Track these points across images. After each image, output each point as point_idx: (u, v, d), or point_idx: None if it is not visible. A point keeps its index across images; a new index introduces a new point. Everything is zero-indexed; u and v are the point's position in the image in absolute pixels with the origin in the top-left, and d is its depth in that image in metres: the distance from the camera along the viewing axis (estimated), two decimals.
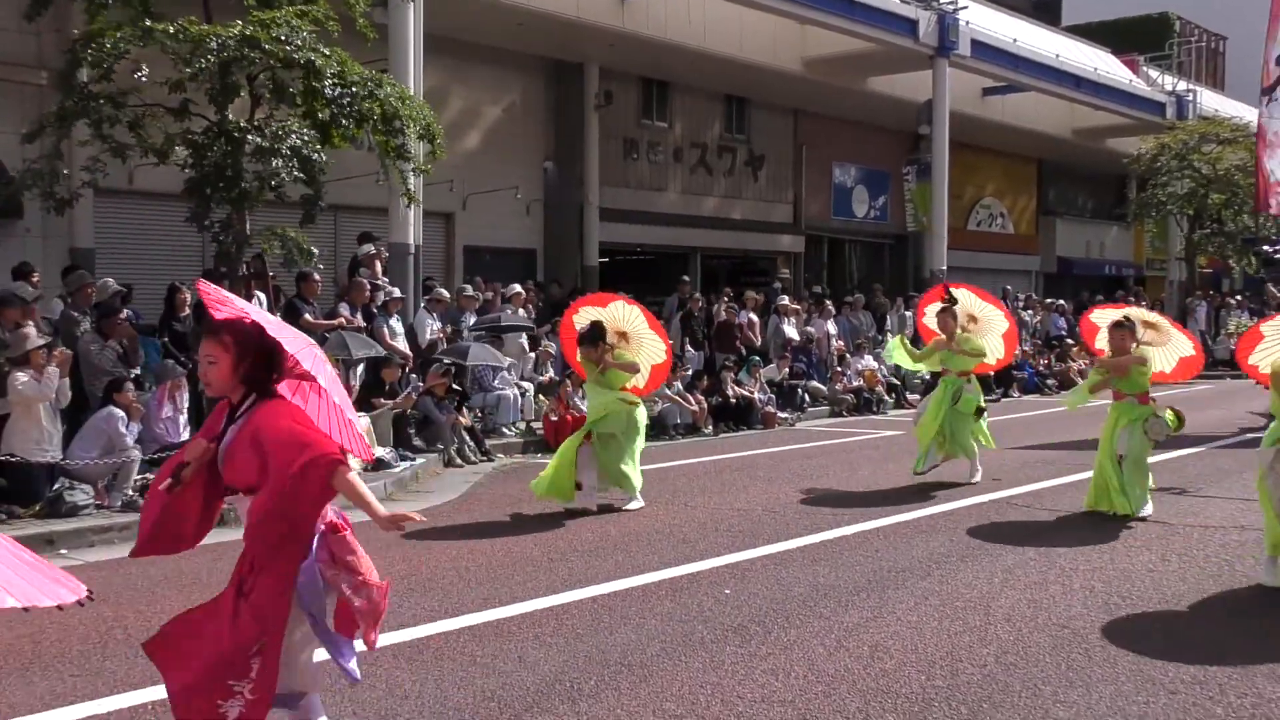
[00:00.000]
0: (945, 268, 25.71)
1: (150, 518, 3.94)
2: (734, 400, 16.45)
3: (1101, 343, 9.34)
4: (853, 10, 22.09)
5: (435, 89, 17.51)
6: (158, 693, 4.97)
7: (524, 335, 15.78)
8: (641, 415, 9.75)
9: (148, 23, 9.65)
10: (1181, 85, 34.65)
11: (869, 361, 19.67)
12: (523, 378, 15.23)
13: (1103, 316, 9.55)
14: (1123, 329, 8.93)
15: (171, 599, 6.70)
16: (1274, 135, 15.66)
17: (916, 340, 13.13)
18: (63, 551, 8.07)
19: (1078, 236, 36.92)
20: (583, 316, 9.90)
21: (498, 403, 14.14)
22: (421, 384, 13.01)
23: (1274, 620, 6.30)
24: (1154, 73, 34.94)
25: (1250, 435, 13.56)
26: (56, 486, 8.87)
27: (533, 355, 15.70)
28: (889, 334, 21.58)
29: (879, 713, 4.74)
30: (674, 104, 24.27)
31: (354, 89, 10.07)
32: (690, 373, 16.46)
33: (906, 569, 7.33)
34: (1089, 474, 9.33)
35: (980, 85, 28.25)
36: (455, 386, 13.12)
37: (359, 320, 13.24)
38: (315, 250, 10.66)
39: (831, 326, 20.44)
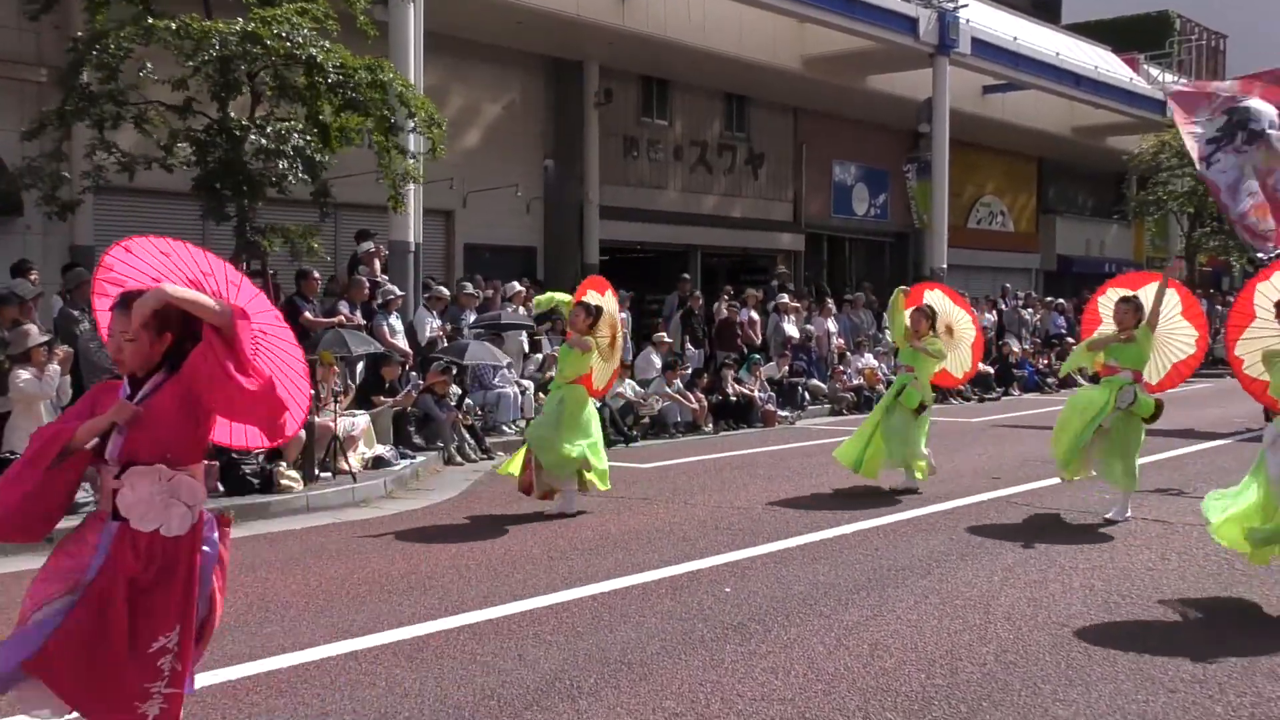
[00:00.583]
0: (945, 266, 25.71)
1: (18, 494, 3.71)
2: (734, 398, 16.45)
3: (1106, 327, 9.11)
4: (853, 8, 22.08)
5: (435, 87, 17.49)
6: None
7: (524, 333, 15.78)
8: (591, 407, 9.58)
9: (150, 20, 9.64)
10: (1181, 83, 34.60)
11: (869, 360, 19.68)
12: (523, 376, 15.23)
13: (1110, 298, 9.27)
14: (1129, 303, 8.80)
15: None
16: (1228, 187, 15.92)
17: None
18: None
19: (1078, 235, 36.92)
20: (591, 298, 9.72)
21: (498, 401, 14.14)
22: (421, 382, 13.01)
23: (1274, 619, 6.31)
24: (1154, 71, 34.92)
25: (1252, 433, 13.56)
26: None
27: (539, 356, 15.69)
28: (887, 331, 21.59)
29: (879, 711, 4.75)
30: (674, 102, 24.26)
31: (356, 76, 10.04)
32: (690, 371, 16.46)
33: (906, 567, 7.34)
34: (1089, 474, 9.25)
35: (980, 83, 28.25)
36: (456, 388, 13.13)
37: (358, 318, 13.24)
38: (319, 245, 10.66)
39: (832, 324, 20.44)
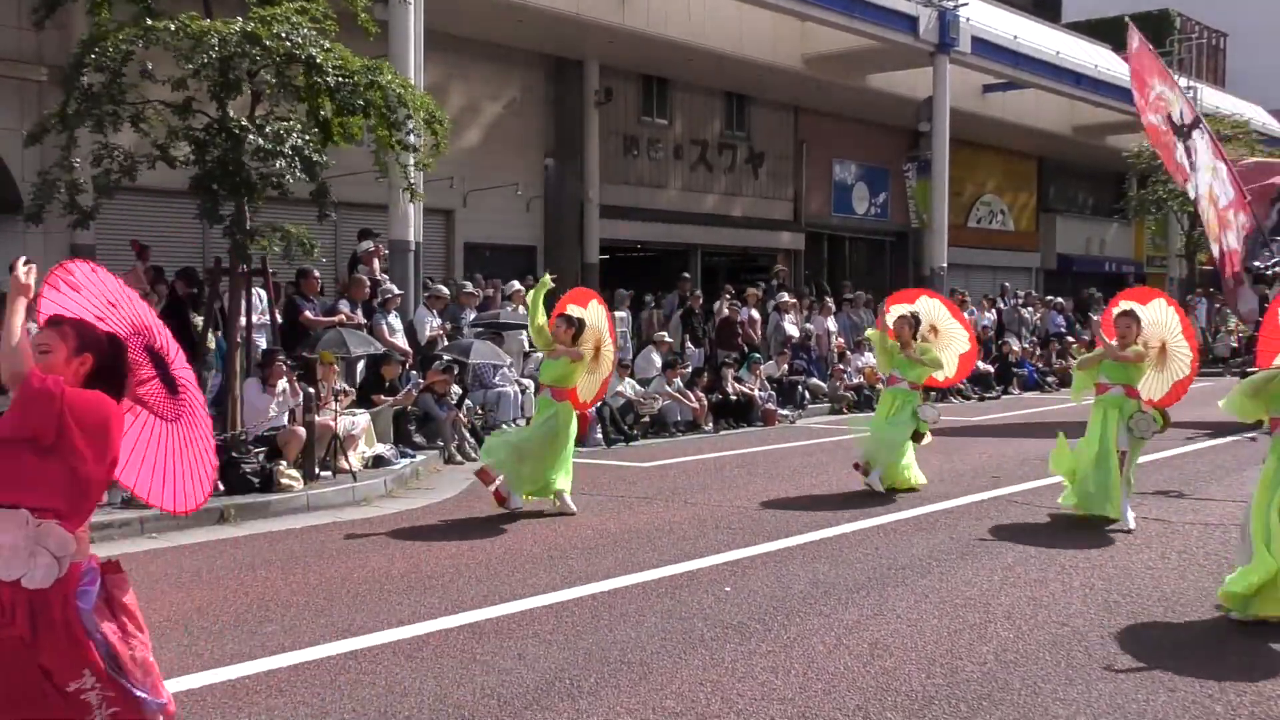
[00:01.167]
0: (945, 265, 25.72)
1: None
2: (734, 397, 16.44)
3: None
4: (853, 7, 22.08)
5: (435, 85, 17.48)
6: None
7: (524, 333, 15.77)
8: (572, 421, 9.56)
9: (149, 21, 9.64)
10: (1182, 82, 34.59)
11: (869, 359, 19.62)
12: (523, 375, 15.23)
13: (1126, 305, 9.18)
14: (1129, 317, 8.74)
15: (172, 595, 6.70)
16: (1224, 210, 16.09)
17: None
18: None
19: (1078, 233, 36.92)
20: (574, 311, 9.64)
21: (498, 400, 14.13)
22: (422, 381, 13.02)
23: (1274, 619, 6.29)
24: None
25: (1253, 433, 13.54)
26: None
27: (539, 355, 15.67)
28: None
29: (879, 710, 4.75)
30: (674, 101, 24.26)
31: (355, 79, 10.04)
32: (690, 370, 16.46)
33: (906, 566, 7.34)
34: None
35: (980, 82, 28.24)
36: (456, 387, 13.14)
37: (359, 316, 13.24)
38: (316, 243, 10.64)
39: (832, 323, 20.43)
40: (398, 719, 4.67)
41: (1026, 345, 23.77)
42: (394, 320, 13.68)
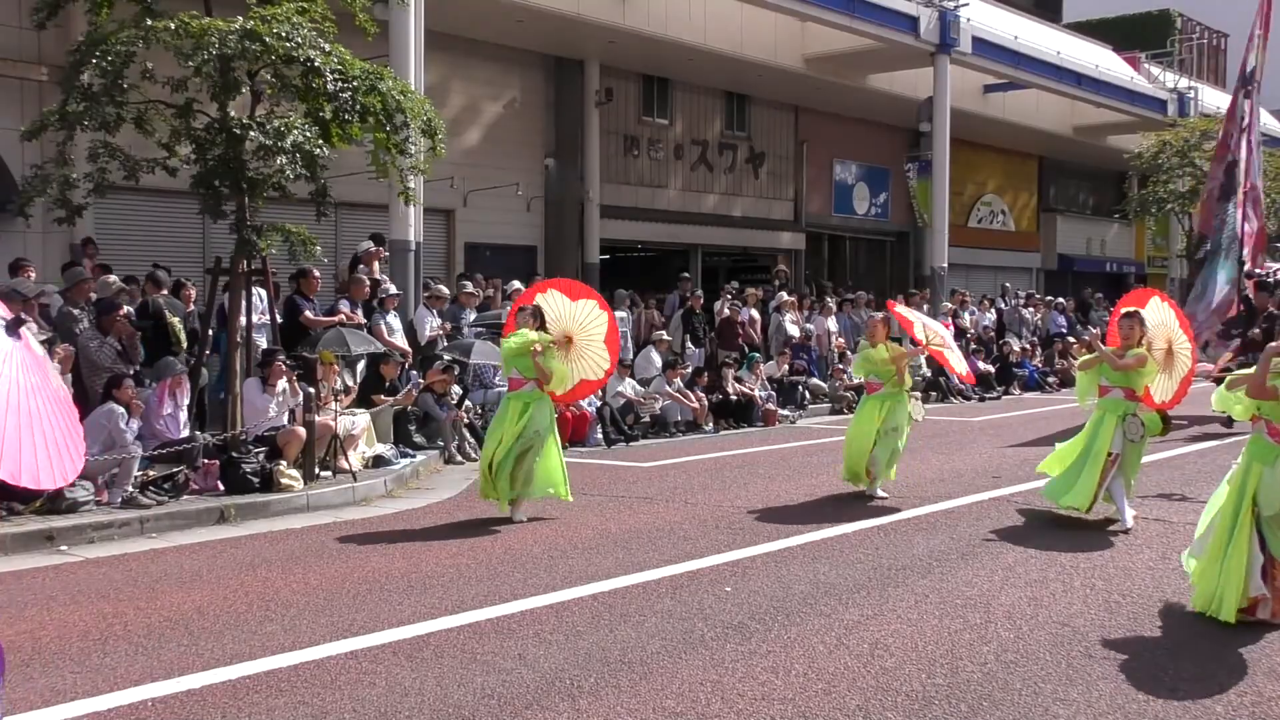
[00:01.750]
0: (946, 265, 25.72)
1: None
2: (735, 397, 16.44)
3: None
4: (853, 7, 22.07)
5: (436, 85, 17.50)
6: (158, 690, 4.98)
7: None
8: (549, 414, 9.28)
9: (149, 21, 9.64)
10: (1183, 82, 34.64)
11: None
12: None
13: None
14: (1132, 319, 8.71)
15: (172, 595, 6.70)
16: (1251, 187, 15.97)
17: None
18: (63, 548, 8.07)
19: (1078, 234, 36.91)
20: (548, 299, 9.47)
21: (498, 399, 14.12)
22: (422, 380, 13.01)
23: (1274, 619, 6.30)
24: (1155, 70, 34.92)
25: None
26: None
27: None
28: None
29: (879, 710, 4.74)
30: (674, 101, 24.26)
31: (354, 83, 10.05)
32: (691, 370, 16.46)
33: (907, 567, 7.33)
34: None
35: (981, 82, 28.24)
36: (456, 387, 13.13)
37: (359, 316, 13.24)
38: (317, 242, 10.65)
39: (832, 323, 20.43)
40: (398, 719, 4.67)
41: (1027, 345, 23.76)
42: (393, 320, 13.67)
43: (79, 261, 13.03)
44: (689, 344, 18.29)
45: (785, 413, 17.16)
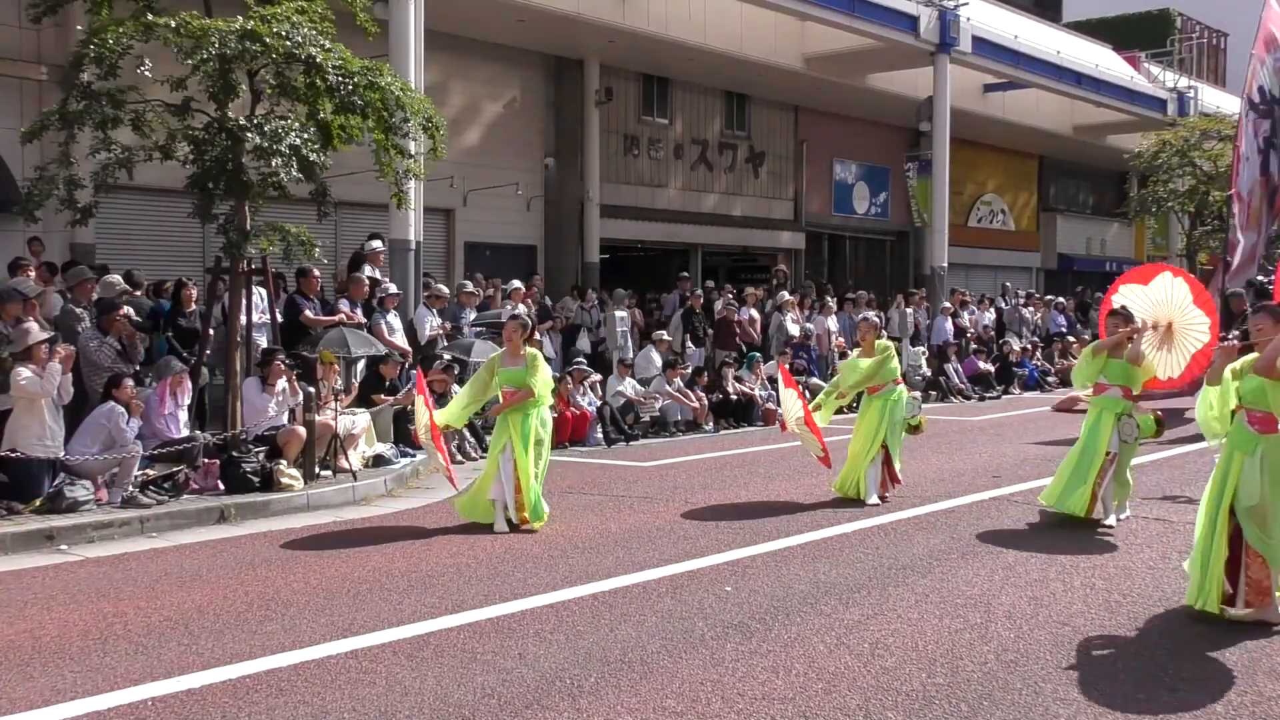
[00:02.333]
0: (946, 264, 25.71)
1: None
2: (734, 397, 16.44)
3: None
4: (854, 7, 22.07)
5: (436, 85, 17.50)
6: (158, 689, 4.98)
7: None
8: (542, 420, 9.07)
9: (149, 18, 9.63)
10: (1182, 82, 34.64)
11: None
12: None
13: (1124, 294, 9.00)
14: (1117, 316, 8.71)
15: (172, 594, 6.70)
16: (1244, 155, 15.79)
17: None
18: (63, 547, 8.07)
19: (1078, 233, 36.91)
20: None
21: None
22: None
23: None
24: (1155, 69, 34.92)
25: None
26: (56, 482, 8.86)
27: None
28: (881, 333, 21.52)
29: (879, 710, 4.74)
30: (674, 100, 24.26)
31: (355, 79, 10.04)
32: (691, 369, 16.46)
33: (907, 566, 7.33)
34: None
35: (981, 81, 28.24)
36: (457, 386, 13.11)
37: (359, 315, 13.23)
38: (317, 243, 10.64)
39: (833, 323, 20.42)
40: (398, 718, 4.67)
41: (1028, 345, 23.77)
42: (393, 319, 13.67)
43: (79, 261, 13.03)
44: (689, 344, 18.29)
45: None
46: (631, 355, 16.66)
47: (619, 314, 17.45)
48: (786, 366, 11.69)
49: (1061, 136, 32.35)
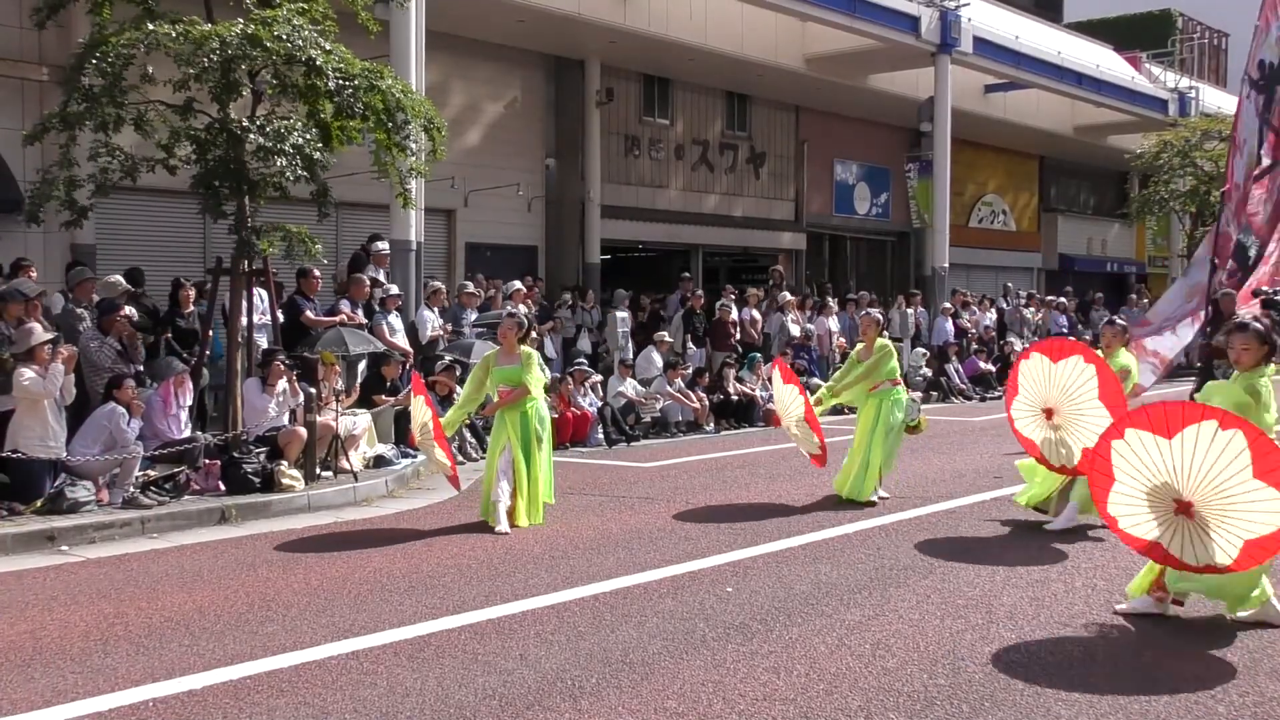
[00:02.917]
0: (947, 265, 25.71)
1: None
2: (735, 397, 16.44)
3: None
4: (854, 7, 22.06)
5: (436, 86, 17.49)
6: (159, 690, 4.98)
7: None
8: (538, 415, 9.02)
9: (150, 26, 9.64)
10: (1184, 82, 34.62)
11: None
12: None
13: (1035, 362, 8.32)
14: (1114, 326, 8.79)
15: (173, 595, 6.70)
16: (1240, 140, 15.40)
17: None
18: (64, 548, 8.08)
19: (1079, 233, 36.89)
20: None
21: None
22: (423, 381, 13.00)
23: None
24: (1156, 70, 34.91)
25: None
26: (58, 483, 8.86)
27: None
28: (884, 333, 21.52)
29: (881, 711, 4.74)
30: (675, 101, 24.25)
31: (355, 81, 10.04)
32: (691, 370, 16.46)
33: (908, 567, 7.33)
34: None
35: (982, 82, 28.22)
36: (459, 386, 13.11)
37: (360, 316, 13.23)
38: (318, 243, 10.64)
39: (834, 323, 20.43)
40: (399, 719, 4.66)
41: (1027, 346, 23.75)
42: (394, 320, 13.67)
43: (82, 262, 13.04)
44: (690, 344, 18.29)
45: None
46: (632, 356, 16.67)
47: (619, 314, 17.46)
48: (787, 363, 11.67)
49: (1062, 137, 32.34)
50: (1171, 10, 41.51)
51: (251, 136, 9.83)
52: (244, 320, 11.13)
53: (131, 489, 9.19)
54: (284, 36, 9.65)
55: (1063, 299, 27.15)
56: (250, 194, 10.23)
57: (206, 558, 7.87)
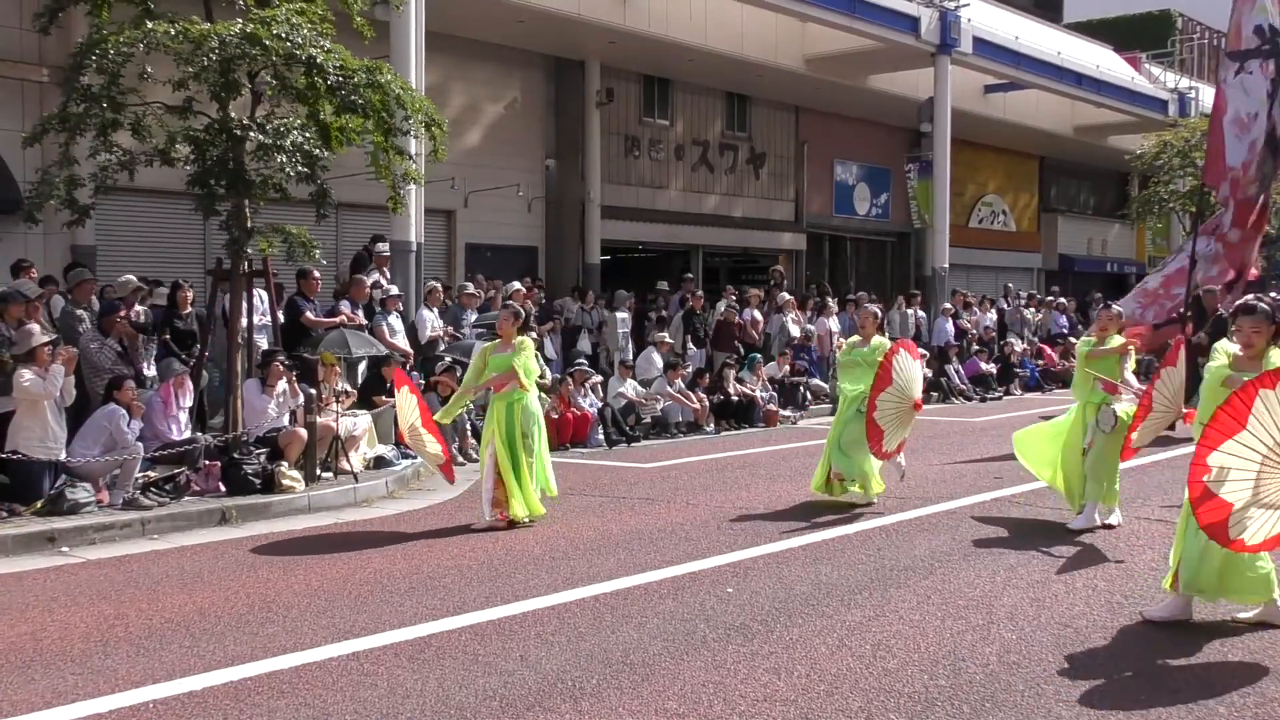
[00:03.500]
0: (947, 265, 25.72)
1: None
2: (736, 398, 16.44)
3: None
4: (854, 8, 22.08)
5: (436, 86, 17.50)
6: (159, 691, 4.97)
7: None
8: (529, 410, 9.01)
9: (149, 25, 9.64)
10: (1183, 82, 34.63)
11: None
12: None
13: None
14: (1109, 310, 8.81)
15: (174, 596, 6.70)
16: (1247, 116, 14.94)
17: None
18: (64, 549, 8.07)
19: (1079, 234, 36.91)
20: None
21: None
22: (423, 381, 13.00)
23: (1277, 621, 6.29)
24: (1156, 70, 34.92)
25: None
26: (58, 484, 8.86)
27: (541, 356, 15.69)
28: (884, 334, 21.53)
29: (881, 712, 4.74)
30: (675, 101, 24.26)
31: (355, 78, 10.04)
32: (692, 371, 16.46)
33: (909, 567, 7.33)
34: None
35: (982, 82, 28.24)
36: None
37: (360, 317, 13.23)
38: (317, 244, 10.63)
39: (834, 324, 20.42)
40: None
41: (1026, 346, 23.77)
42: (394, 321, 13.67)
43: (80, 264, 13.03)
44: (690, 345, 18.29)
45: (786, 413, 17.15)
46: (632, 356, 16.67)
47: (619, 315, 17.46)
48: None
49: (1062, 137, 32.35)
50: (1171, 11, 41.53)
51: (252, 135, 9.83)
52: (244, 321, 11.12)
53: (132, 490, 9.19)
54: (283, 35, 9.65)
55: (1062, 299, 27.16)
56: (248, 194, 10.22)
57: (207, 559, 7.86)
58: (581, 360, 15.73)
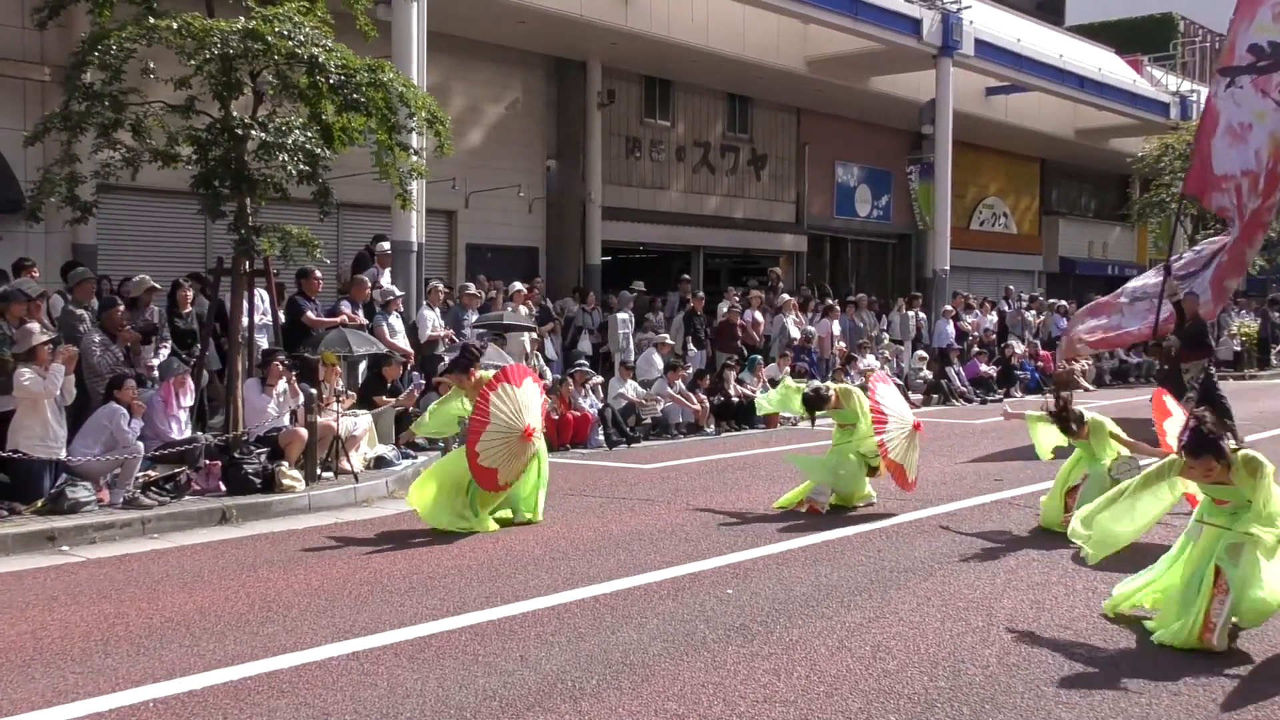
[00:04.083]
0: (948, 267, 25.71)
1: None
2: (736, 399, 16.44)
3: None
4: (856, 9, 22.09)
5: (438, 87, 17.50)
6: (159, 690, 4.98)
7: (526, 335, 15.76)
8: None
9: (151, 21, 9.64)
10: (1185, 85, 34.63)
11: (871, 361, 19.65)
12: None
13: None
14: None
15: (174, 596, 6.70)
16: (1239, 125, 15.05)
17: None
18: (64, 548, 8.08)
19: (1080, 237, 36.91)
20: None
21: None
22: (424, 381, 13.01)
23: (1277, 621, 6.28)
24: (1157, 73, 34.92)
25: (1258, 436, 13.53)
26: (58, 483, 8.86)
27: (540, 357, 15.68)
28: (883, 334, 21.55)
29: (881, 713, 4.74)
30: (676, 103, 24.27)
31: (357, 76, 10.04)
32: (692, 372, 16.45)
33: (909, 569, 7.33)
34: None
35: (983, 85, 28.25)
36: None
37: (361, 316, 13.23)
38: (318, 243, 10.63)
39: (835, 326, 20.42)
40: None
41: (1028, 348, 23.76)
42: (395, 321, 13.67)
43: (80, 263, 13.03)
44: (690, 346, 18.29)
45: (787, 414, 17.13)
46: (633, 357, 16.66)
47: (620, 316, 17.46)
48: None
49: (1064, 140, 32.36)
50: (1173, 14, 41.53)
51: (254, 133, 9.83)
52: (245, 320, 11.13)
53: (132, 489, 9.19)
54: (286, 33, 9.65)
55: (1063, 301, 27.15)
56: (250, 193, 10.23)
57: (207, 558, 7.87)
58: (582, 361, 15.73)
